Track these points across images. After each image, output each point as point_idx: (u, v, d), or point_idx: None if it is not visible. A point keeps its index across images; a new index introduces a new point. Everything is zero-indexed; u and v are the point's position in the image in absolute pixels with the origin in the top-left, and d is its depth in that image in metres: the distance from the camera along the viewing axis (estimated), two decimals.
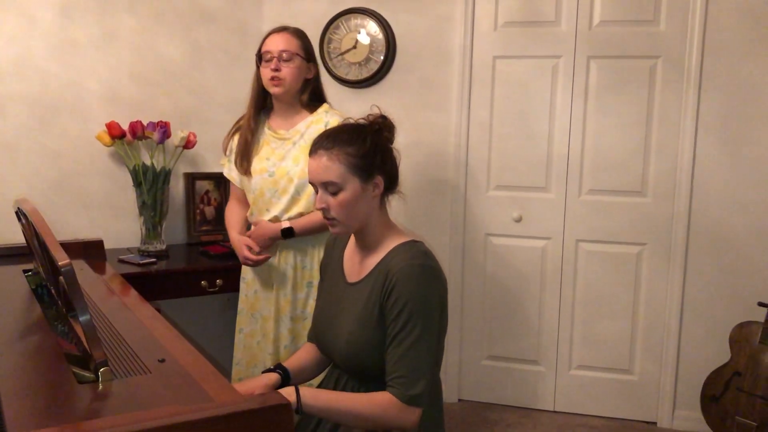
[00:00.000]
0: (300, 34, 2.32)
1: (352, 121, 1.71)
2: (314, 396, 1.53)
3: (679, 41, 3.00)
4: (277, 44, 2.26)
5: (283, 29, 2.31)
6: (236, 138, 2.40)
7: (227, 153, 2.46)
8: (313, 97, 2.36)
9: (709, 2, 2.94)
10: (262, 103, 2.39)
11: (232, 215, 2.50)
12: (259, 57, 2.31)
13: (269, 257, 2.32)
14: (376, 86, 3.30)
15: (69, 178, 2.97)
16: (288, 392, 1.49)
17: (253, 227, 2.38)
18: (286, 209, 2.30)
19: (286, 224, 2.27)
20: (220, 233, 3.26)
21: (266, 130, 2.37)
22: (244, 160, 2.35)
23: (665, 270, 3.13)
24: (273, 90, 2.29)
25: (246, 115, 2.38)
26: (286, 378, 1.74)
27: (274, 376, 1.72)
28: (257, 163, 2.34)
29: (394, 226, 1.71)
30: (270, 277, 2.36)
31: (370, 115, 1.69)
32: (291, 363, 1.79)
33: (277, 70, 2.25)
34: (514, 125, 3.22)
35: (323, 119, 2.29)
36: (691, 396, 3.11)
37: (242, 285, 2.47)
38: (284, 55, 2.25)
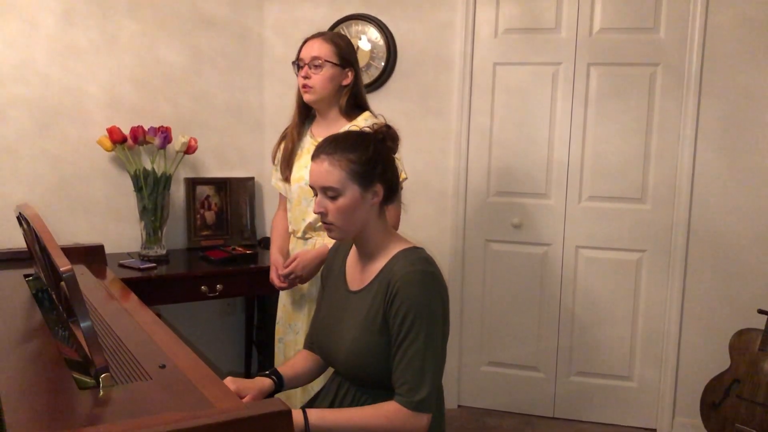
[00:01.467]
0: (336, 40, 2.26)
1: (356, 128, 1.71)
2: (321, 417, 1.53)
3: (678, 49, 3.01)
4: (309, 51, 2.23)
5: (318, 35, 2.27)
6: (282, 146, 2.38)
7: (274, 162, 2.43)
8: (352, 104, 2.30)
9: (708, 10, 2.95)
10: (306, 112, 2.35)
11: (276, 227, 2.47)
12: (297, 65, 2.28)
13: (290, 287, 2.29)
14: (377, 92, 3.30)
15: (70, 183, 2.97)
16: (296, 416, 1.49)
17: (295, 258, 2.28)
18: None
19: (331, 244, 2.24)
20: (220, 238, 3.27)
21: (308, 137, 2.35)
22: (287, 168, 2.34)
23: (665, 277, 3.14)
24: (304, 97, 2.26)
25: (291, 123, 2.37)
26: (280, 384, 1.74)
27: (267, 382, 1.72)
28: (296, 171, 2.32)
29: (394, 233, 1.72)
30: (303, 289, 2.34)
31: (375, 124, 1.69)
32: (285, 369, 1.79)
33: (307, 77, 2.23)
34: (514, 132, 3.23)
35: (361, 127, 2.27)
36: (690, 403, 3.11)
37: (281, 294, 2.44)
38: (315, 62, 2.21)
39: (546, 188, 3.23)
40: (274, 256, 2.37)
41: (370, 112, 2.32)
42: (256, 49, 3.38)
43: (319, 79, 2.22)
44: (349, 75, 2.27)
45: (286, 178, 2.36)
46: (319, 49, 2.22)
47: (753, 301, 2.99)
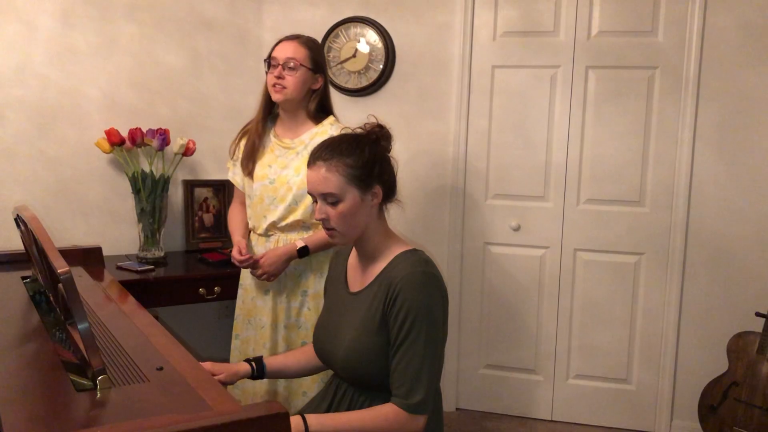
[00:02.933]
0: (310, 45, 2.30)
1: (349, 131, 1.71)
2: (320, 422, 1.53)
3: (677, 52, 3.02)
4: (284, 52, 2.26)
5: (294, 37, 2.30)
6: (243, 141, 2.41)
7: (233, 156, 2.47)
8: (319, 108, 2.35)
9: (706, 14, 2.95)
10: (270, 109, 2.39)
11: (235, 218, 2.51)
12: (268, 63, 2.31)
13: (254, 259, 2.30)
14: (376, 95, 3.31)
15: (68, 185, 2.97)
16: (296, 422, 1.49)
17: (261, 254, 2.33)
18: (283, 217, 2.30)
19: (300, 243, 2.27)
20: (218, 240, 3.26)
21: (272, 137, 2.38)
22: (250, 162, 2.36)
23: (663, 279, 3.14)
24: (274, 96, 2.29)
25: (254, 119, 2.39)
26: (260, 371, 1.80)
27: (244, 366, 1.78)
28: (259, 169, 2.35)
29: (394, 234, 1.72)
30: (266, 284, 2.36)
31: (367, 124, 1.69)
32: (277, 358, 1.86)
33: (280, 77, 2.25)
34: (512, 134, 3.23)
35: (328, 132, 2.28)
36: (688, 406, 3.11)
37: (240, 291, 2.47)
38: (290, 63, 2.24)
39: (544, 191, 3.23)
40: (237, 239, 2.40)
41: (334, 116, 2.38)
42: (255, 52, 3.38)
43: (293, 81, 2.25)
44: (319, 80, 2.33)
45: (249, 173, 2.37)
46: (295, 51, 2.26)
47: (751, 304, 2.99)
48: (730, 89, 2.98)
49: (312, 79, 2.30)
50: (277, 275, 2.29)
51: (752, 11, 2.92)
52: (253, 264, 2.29)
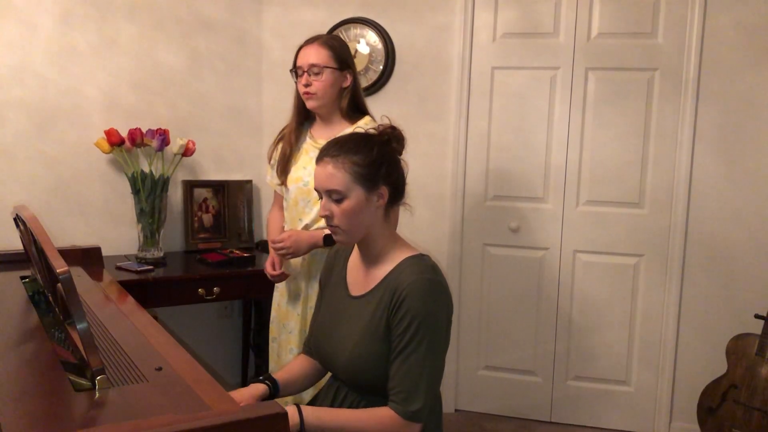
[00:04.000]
0: (331, 44, 2.27)
1: (362, 130, 1.71)
2: (316, 415, 1.53)
3: (676, 54, 3.02)
4: (307, 58, 2.24)
5: (313, 40, 2.27)
6: (279, 147, 2.39)
7: (270, 161, 2.45)
8: (352, 106, 2.32)
9: (706, 16, 2.96)
10: (305, 114, 2.36)
11: (272, 224, 2.50)
12: (294, 72, 2.29)
13: (286, 275, 2.32)
14: (375, 96, 3.30)
15: (67, 185, 2.97)
16: (291, 412, 1.49)
17: (289, 230, 2.32)
18: (316, 219, 2.27)
19: (327, 231, 2.22)
20: (218, 241, 3.26)
21: (308, 138, 2.36)
22: (283, 171, 2.35)
23: (662, 281, 3.14)
24: (307, 104, 2.28)
25: (288, 126, 2.37)
26: (275, 389, 1.73)
27: (261, 387, 1.71)
28: (294, 172, 2.33)
29: (400, 238, 1.70)
30: (299, 290, 2.35)
31: (380, 125, 1.69)
32: (281, 375, 1.78)
33: (308, 84, 2.23)
34: (512, 136, 3.23)
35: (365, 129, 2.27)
36: (687, 408, 3.11)
37: (275, 294, 2.46)
38: (314, 69, 2.22)
39: (544, 192, 3.23)
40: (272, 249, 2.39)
41: (371, 117, 2.34)
42: (255, 52, 3.38)
43: (321, 85, 2.23)
44: (348, 77, 2.29)
45: (283, 183, 2.37)
46: (317, 55, 2.23)
47: (750, 306, 2.99)
48: (729, 91, 2.98)
49: (341, 77, 2.26)
50: (296, 256, 2.26)
51: (751, 13, 2.93)
52: (278, 240, 2.26)
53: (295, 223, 2.33)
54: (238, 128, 3.37)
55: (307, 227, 2.29)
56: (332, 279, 1.81)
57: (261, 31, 3.38)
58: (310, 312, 2.31)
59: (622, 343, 3.21)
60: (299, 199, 2.31)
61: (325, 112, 2.30)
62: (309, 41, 2.28)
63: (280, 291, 2.43)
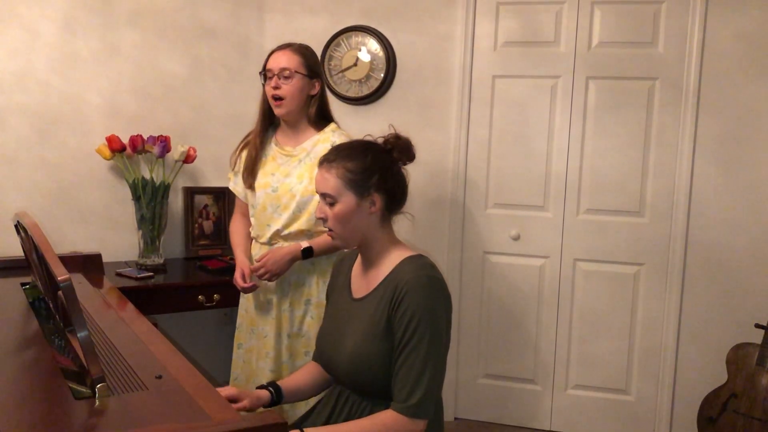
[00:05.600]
0: (303, 51, 2.31)
1: (370, 138, 1.73)
2: None
3: (677, 63, 3.03)
4: (278, 62, 2.27)
5: (286, 46, 2.31)
6: (244, 153, 2.41)
7: (234, 167, 2.47)
8: (319, 114, 2.36)
9: (707, 25, 2.97)
10: (271, 119, 2.39)
11: (237, 231, 2.50)
12: (264, 75, 2.32)
13: (257, 287, 2.32)
14: (376, 104, 3.31)
15: (68, 191, 2.97)
16: None
17: (265, 252, 2.32)
18: (286, 225, 2.29)
19: (305, 244, 2.25)
20: (218, 248, 3.26)
21: (273, 145, 2.38)
22: (250, 175, 2.37)
23: (662, 290, 3.14)
24: (276, 111, 2.31)
25: (254, 131, 2.40)
26: (279, 396, 1.75)
27: (264, 393, 1.73)
28: (261, 178, 2.35)
29: (399, 242, 1.72)
30: (269, 293, 2.36)
31: (387, 135, 1.72)
32: (287, 382, 1.79)
33: (277, 87, 2.26)
34: (512, 144, 3.24)
35: (330, 139, 2.29)
36: (687, 417, 3.10)
37: (242, 300, 2.47)
38: (284, 72, 2.26)
39: (544, 201, 3.23)
40: (240, 257, 2.39)
41: (336, 123, 2.38)
42: (256, 60, 3.38)
43: (289, 89, 2.26)
44: (316, 85, 2.33)
45: (250, 186, 2.38)
46: (288, 60, 2.27)
47: (750, 316, 2.99)
48: (729, 101, 2.99)
49: (309, 85, 2.31)
50: (280, 275, 2.27)
51: (752, 23, 2.93)
52: (257, 268, 2.27)
53: (263, 228, 2.35)
54: (239, 135, 3.32)
55: (277, 233, 2.31)
56: (338, 286, 1.83)
57: (263, 38, 3.39)
58: (285, 315, 2.33)
59: (622, 352, 3.21)
60: (267, 205, 2.33)
61: (292, 119, 2.33)
62: (281, 47, 2.32)
63: (247, 297, 2.43)
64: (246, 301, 2.44)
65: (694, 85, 3.00)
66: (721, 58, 2.98)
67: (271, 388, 1.75)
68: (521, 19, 3.17)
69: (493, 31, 3.20)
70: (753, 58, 2.95)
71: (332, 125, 2.36)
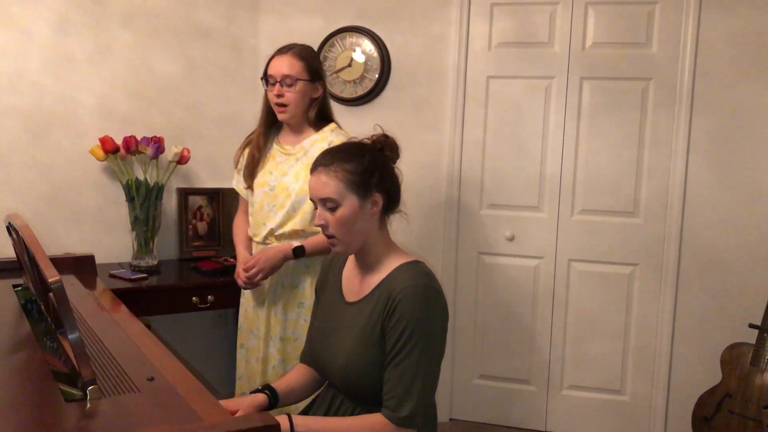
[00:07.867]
0: (304, 55, 2.28)
1: (356, 140, 1.72)
2: (306, 423, 1.52)
3: (671, 64, 3.03)
4: (279, 68, 2.24)
5: (287, 50, 2.28)
6: (246, 151, 2.41)
7: (237, 166, 2.47)
8: (320, 116, 2.35)
9: (700, 26, 2.97)
10: (273, 120, 2.38)
11: (239, 228, 2.50)
12: (265, 80, 2.30)
13: (259, 283, 2.31)
14: (371, 104, 3.31)
15: (61, 193, 2.96)
16: (282, 421, 1.48)
17: (257, 251, 2.33)
18: (281, 224, 2.29)
19: (296, 243, 2.25)
20: (212, 249, 3.25)
21: (274, 144, 2.38)
22: (249, 176, 2.37)
23: (657, 290, 3.14)
24: (279, 116, 2.30)
25: (256, 131, 2.39)
26: (274, 399, 1.72)
27: (261, 397, 1.70)
28: (260, 177, 2.35)
29: (395, 245, 1.71)
30: (263, 295, 2.35)
31: (374, 135, 1.70)
32: (280, 384, 1.78)
33: (280, 95, 2.25)
34: (507, 145, 3.24)
35: (328, 138, 2.29)
36: (682, 417, 3.10)
37: (242, 300, 2.46)
38: (287, 80, 2.23)
39: (538, 201, 3.23)
40: (242, 253, 2.40)
41: (336, 123, 2.37)
42: (250, 61, 3.38)
43: (293, 97, 2.25)
44: (319, 88, 2.32)
45: (249, 186, 2.38)
46: (290, 66, 2.24)
47: (744, 316, 2.99)
48: (723, 101, 2.99)
49: (312, 89, 2.29)
50: (272, 273, 2.27)
51: (746, 24, 2.94)
52: (249, 267, 2.27)
53: (259, 227, 2.35)
54: (233, 136, 3.35)
55: (271, 232, 2.31)
56: (328, 286, 1.81)
57: (257, 39, 3.39)
58: (276, 318, 2.33)
59: (617, 352, 3.21)
60: (264, 204, 2.32)
61: (294, 122, 2.33)
62: (282, 51, 2.29)
63: (246, 297, 2.43)
64: (246, 302, 2.43)
65: (687, 86, 3.00)
66: (714, 59, 2.98)
67: (267, 391, 1.73)
68: (515, 20, 3.17)
69: (488, 31, 3.20)
70: (746, 59, 2.96)
71: (331, 125, 2.35)
